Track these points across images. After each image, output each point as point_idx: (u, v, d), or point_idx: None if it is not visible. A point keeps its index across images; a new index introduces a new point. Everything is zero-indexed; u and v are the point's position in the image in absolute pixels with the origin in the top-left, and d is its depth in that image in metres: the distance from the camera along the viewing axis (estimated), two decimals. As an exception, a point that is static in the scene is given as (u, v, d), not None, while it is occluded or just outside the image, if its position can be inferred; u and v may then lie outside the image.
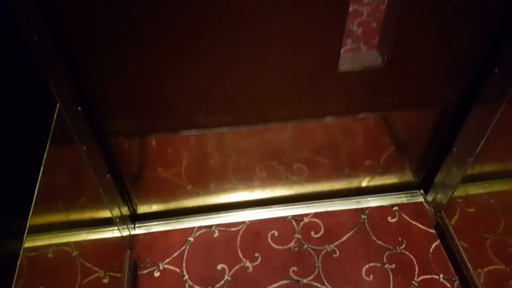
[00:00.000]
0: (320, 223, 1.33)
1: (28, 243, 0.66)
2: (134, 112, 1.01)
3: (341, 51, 0.94)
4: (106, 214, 1.11)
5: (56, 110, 0.81)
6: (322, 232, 1.31)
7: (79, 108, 0.92)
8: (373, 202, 1.38)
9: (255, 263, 1.24)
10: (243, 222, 1.33)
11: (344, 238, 1.29)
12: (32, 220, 0.65)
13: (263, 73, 0.96)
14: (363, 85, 1.02)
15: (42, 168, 0.70)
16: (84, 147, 0.95)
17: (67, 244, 0.86)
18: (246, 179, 1.28)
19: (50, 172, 0.73)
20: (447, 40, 0.95)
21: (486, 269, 1.18)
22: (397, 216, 1.35)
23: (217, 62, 0.91)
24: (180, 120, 1.04)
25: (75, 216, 0.93)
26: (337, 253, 1.25)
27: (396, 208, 1.37)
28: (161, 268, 1.23)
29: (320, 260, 1.24)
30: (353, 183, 1.36)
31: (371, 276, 1.21)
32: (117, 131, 1.05)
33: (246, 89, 0.99)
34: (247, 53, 0.91)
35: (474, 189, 1.28)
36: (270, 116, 1.06)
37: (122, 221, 1.21)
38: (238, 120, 1.06)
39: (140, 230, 1.32)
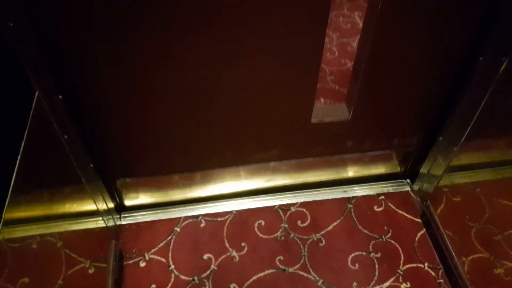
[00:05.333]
0: (307, 212, 1.33)
1: (11, 234, 0.65)
2: (119, 100, 0.99)
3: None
4: (90, 204, 1.10)
5: (35, 98, 0.80)
6: (308, 221, 1.31)
7: (60, 96, 0.90)
8: (359, 191, 1.38)
9: (242, 253, 1.24)
10: (230, 212, 1.33)
11: (331, 227, 1.29)
12: (12, 210, 0.64)
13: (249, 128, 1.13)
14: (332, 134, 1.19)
15: (19, 157, 0.68)
16: (66, 136, 0.93)
17: (51, 234, 0.85)
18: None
19: (29, 162, 0.71)
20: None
21: (470, 257, 1.19)
22: (383, 205, 1.35)
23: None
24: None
25: (59, 206, 0.92)
26: (323, 242, 1.26)
27: (383, 197, 1.37)
28: (147, 258, 1.22)
29: (306, 249, 1.24)
30: (340, 173, 1.36)
31: (357, 265, 1.21)
32: (100, 119, 1.03)
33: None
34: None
35: (459, 178, 1.29)
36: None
37: (107, 211, 1.20)
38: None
39: (126, 220, 1.31)
